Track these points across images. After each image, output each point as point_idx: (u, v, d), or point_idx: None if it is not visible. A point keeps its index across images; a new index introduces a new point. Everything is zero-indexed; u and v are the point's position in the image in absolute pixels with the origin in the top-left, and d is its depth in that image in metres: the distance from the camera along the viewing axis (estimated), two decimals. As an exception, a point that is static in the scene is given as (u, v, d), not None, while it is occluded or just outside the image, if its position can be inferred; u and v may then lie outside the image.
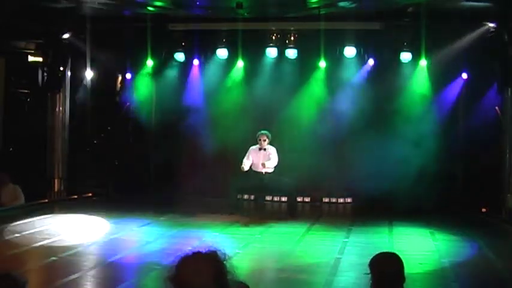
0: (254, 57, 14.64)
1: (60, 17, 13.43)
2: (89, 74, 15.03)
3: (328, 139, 14.19)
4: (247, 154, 12.58)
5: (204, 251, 2.67)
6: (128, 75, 15.57)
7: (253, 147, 12.60)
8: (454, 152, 14.05)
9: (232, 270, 2.68)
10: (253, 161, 12.51)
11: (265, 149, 12.48)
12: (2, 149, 14.22)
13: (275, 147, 12.62)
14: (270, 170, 12.54)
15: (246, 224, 11.53)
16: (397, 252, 4.19)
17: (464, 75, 13.84)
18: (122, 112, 15.83)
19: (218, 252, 2.67)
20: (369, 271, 3.92)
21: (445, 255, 9.12)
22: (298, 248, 9.63)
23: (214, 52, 14.54)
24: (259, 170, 12.51)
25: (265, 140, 12.45)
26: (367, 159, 13.64)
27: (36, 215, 11.69)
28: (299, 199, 14.83)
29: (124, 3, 12.91)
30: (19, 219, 11.09)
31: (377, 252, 4.09)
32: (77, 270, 7.80)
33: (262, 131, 12.55)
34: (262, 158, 12.44)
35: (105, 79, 15.55)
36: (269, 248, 9.61)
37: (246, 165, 12.34)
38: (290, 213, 12.86)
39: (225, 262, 2.65)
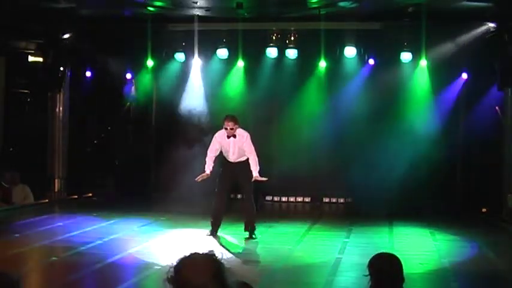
0: (254, 57, 14.63)
1: (60, 17, 13.42)
2: (89, 74, 15.00)
3: (328, 139, 14.19)
4: (212, 143, 10.02)
5: (202, 251, 2.68)
6: (128, 75, 15.58)
7: (220, 133, 10.01)
8: (454, 152, 14.06)
9: (231, 270, 2.69)
10: (222, 149, 9.99)
11: (235, 136, 9.86)
12: (2, 149, 14.21)
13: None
14: (243, 159, 9.96)
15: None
16: (397, 252, 4.20)
17: (464, 75, 13.85)
18: (122, 112, 15.84)
19: (216, 252, 2.68)
20: (367, 272, 3.92)
21: (445, 255, 9.13)
22: (298, 248, 9.63)
23: (214, 52, 14.53)
24: (230, 159, 10.02)
25: (232, 129, 9.79)
26: (368, 159, 13.63)
27: (36, 215, 11.70)
28: (299, 199, 14.84)
29: (124, 3, 12.90)
30: (19, 219, 11.10)
31: (376, 253, 4.10)
32: (77, 270, 7.81)
33: (228, 116, 10.02)
34: (233, 145, 9.88)
35: (105, 79, 15.54)
36: (269, 248, 9.60)
37: (208, 167, 9.91)
38: (249, 227, 10.05)
39: (223, 261, 2.66)
